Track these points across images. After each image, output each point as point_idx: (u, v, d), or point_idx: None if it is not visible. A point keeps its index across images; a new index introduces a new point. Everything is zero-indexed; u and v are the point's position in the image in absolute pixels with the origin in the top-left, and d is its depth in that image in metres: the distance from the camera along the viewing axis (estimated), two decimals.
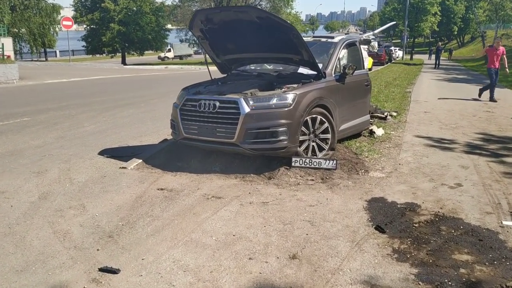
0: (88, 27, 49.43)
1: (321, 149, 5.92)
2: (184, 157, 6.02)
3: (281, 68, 6.67)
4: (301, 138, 5.65)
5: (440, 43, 43.08)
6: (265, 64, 6.96)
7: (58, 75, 21.09)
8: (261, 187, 4.96)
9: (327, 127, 5.90)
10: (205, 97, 5.65)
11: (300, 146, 5.67)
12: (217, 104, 5.45)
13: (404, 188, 4.94)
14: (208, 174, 5.41)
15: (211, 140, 5.55)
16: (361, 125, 7.04)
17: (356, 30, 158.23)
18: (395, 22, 44.18)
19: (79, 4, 52.96)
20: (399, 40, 63.59)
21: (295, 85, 5.79)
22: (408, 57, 47.54)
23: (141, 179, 5.26)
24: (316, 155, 5.83)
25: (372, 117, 9.08)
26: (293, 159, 5.52)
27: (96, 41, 47.76)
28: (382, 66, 34.11)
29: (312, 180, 5.20)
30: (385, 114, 9.44)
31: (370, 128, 7.54)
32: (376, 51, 10.26)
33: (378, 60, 38.56)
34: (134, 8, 46.70)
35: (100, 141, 7.32)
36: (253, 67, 7.08)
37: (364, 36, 7.82)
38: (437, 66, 32.96)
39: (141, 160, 5.98)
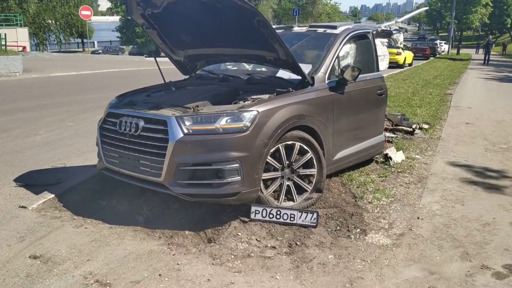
0: (123, 18, 49.15)
1: (301, 190, 4.05)
2: (113, 193, 4.31)
3: (259, 69, 4.82)
4: (268, 175, 3.80)
5: (491, 36, 39.36)
6: (244, 64, 5.11)
7: (70, 67, 19.94)
8: (186, 261, 3.16)
9: (311, 158, 4.02)
10: (128, 111, 3.90)
11: (267, 187, 3.83)
12: (141, 124, 3.69)
13: (418, 274, 3.02)
14: (125, 228, 3.67)
15: (134, 176, 3.80)
16: (370, 149, 5.08)
17: (401, 22, 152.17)
18: (426, 8, 40.92)
19: None
20: (446, 34, 59.50)
21: (265, 96, 3.94)
22: (455, 51, 43.98)
23: (27, 232, 3.59)
24: (293, 199, 3.97)
25: (395, 130, 7.07)
26: (253, 208, 3.68)
27: (130, 32, 47.41)
28: (424, 62, 31.25)
29: (274, 248, 3.35)
30: (413, 127, 7.38)
31: (385, 152, 5.55)
32: (401, 46, 8.17)
33: (422, 54, 35.73)
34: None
35: (35, 158, 5.73)
36: (225, 67, 5.25)
37: (383, 26, 5.83)
38: (486, 62, 29.85)
39: (52, 196, 4.31)
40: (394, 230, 3.67)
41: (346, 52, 4.88)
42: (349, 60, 4.94)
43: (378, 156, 5.49)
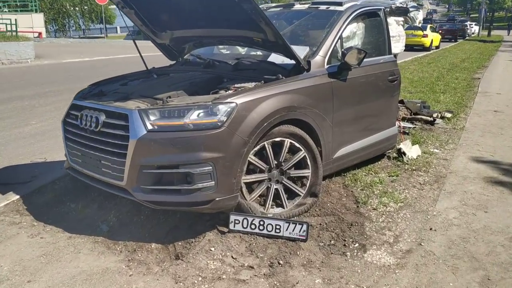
0: None
1: (293, 195, 3.47)
2: (86, 193, 3.84)
3: (253, 53, 4.22)
4: (252, 178, 3.24)
5: None
6: (238, 47, 4.51)
7: (83, 53, 19.64)
8: (144, 284, 2.64)
9: (304, 157, 3.43)
10: (90, 103, 3.38)
11: (251, 192, 3.27)
12: (102, 118, 3.16)
13: None
14: (85, 238, 3.18)
15: (97, 178, 3.29)
16: (379, 144, 4.43)
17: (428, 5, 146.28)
18: None
19: None
20: (477, 15, 56.95)
21: (251, 84, 3.36)
22: (486, 33, 41.97)
23: None
24: (283, 206, 3.40)
25: (413, 120, 6.38)
26: (232, 217, 3.13)
27: None
28: (453, 44, 29.82)
29: (251, 268, 2.80)
30: (434, 116, 6.65)
31: (398, 147, 4.88)
32: (419, 25, 7.23)
33: (452, 35, 34.26)
34: None
35: (17, 152, 5.31)
36: (219, 51, 4.68)
37: (398, 2, 5.10)
38: None
39: (17, 197, 3.86)
40: (400, 245, 3.06)
41: (352, 32, 4.22)
42: (356, 42, 4.29)
43: (390, 151, 4.83)
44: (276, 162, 3.34)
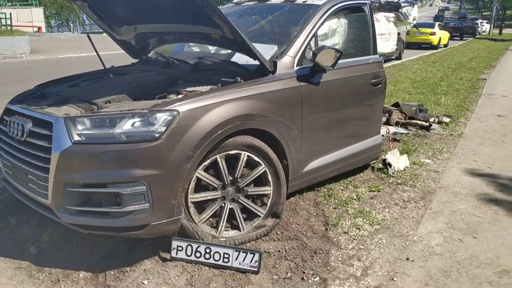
0: None
1: (252, 215, 3.04)
2: (29, 207, 3.43)
3: (223, 52, 3.78)
4: (201, 197, 2.81)
5: None
6: (208, 45, 4.07)
7: (82, 48, 19.25)
8: None
9: (264, 172, 2.99)
10: (20, 108, 2.96)
11: (201, 212, 2.84)
12: (28, 126, 2.75)
13: None
14: (9, 263, 2.78)
15: (25, 193, 2.88)
16: (360, 155, 3.97)
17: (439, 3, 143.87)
18: None
19: None
20: (489, 12, 55.85)
21: (206, 88, 2.94)
22: (497, 31, 41.05)
23: None
24: (239, 228, 2.97)
25: (408, 125, 5.91)
26: (174, 244, 2.71)
27: None
28: (461, 42, 29.09)
29: None
30: (431, 120, 6.16)
31: (383, 157, 4.42)
32: (413, 22, 6.46)
33: (458, 33, 33.55)
34: None
35: None
36: (189, 48, 4.25)
37: None
38: None
39: None
40: (368, 279, 2.61)
41: (331, 30, 3.76)
42: (336, 40, 3.83)
43: (375, 161, 4.37)
44: (231, 178, 2.90)
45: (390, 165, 4.28)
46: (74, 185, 2.51)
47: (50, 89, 3.42)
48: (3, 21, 17.43)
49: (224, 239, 2.91)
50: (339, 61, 3.60)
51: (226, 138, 2.78)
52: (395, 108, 6.31)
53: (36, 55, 16.36)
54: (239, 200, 2.96)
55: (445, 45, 26.16)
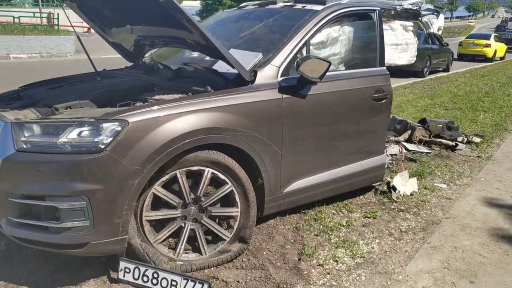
0: (203, 2, 49.49)
1: (216, 239, 2.78)
2: None
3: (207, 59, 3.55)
4: (159, 215, 2.59)
5: None
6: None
7: None
8: None
9: (231, 192, 2.72)
10: None
11: (159, 231, 2.62)
12: None
13: None
14: None
15: None
16: (358, 176, 3.59)
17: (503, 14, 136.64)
18: None
19: None
20: None
21: (175, 96, 2.72)
22: None
23: None
24: (201, 252, 2.71)
25: (431, 143, 5.43)
26: (122, 265, 2.50)
27: (210, 15, 47.88)
28: None
29: None
30: (459, 140, 5.63)
31: (388, 180, 4.02)
32: (438, 32, 5.75)
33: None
34: None
35: None
36: (190, 54, 4.05)
37: (407, 3, 4.20)
38: None
39: None
40: None
41: (330, 38, 3.44)
42: (336, 49, 3.52)
43: (379, 184, 3.98)
44: (193, 197, 2.66)
45: (394, 188, 3.87)
46: (15, 196, 2.35)
47: (29, 91, 3.32)
48: (52, 21, 18.14)
49: (182, 262, 2.67)
50: (335, 73, 3.31)
51: (187, 153, 2.54)
52: (419, 125, 5.83)
53: (80, 54, 16.83)
54: (202, 221, 2.71)
55: (501, 58, 24.67)
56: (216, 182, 2.71)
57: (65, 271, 2.62)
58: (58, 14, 18.15)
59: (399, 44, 4.30)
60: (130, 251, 2.52)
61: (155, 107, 2.47)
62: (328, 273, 2.69)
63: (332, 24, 3.44)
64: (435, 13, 4.61)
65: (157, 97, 2.80)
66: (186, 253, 2.72)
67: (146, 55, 4.05)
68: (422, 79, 13.44)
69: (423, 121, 6.10)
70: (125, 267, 2.48)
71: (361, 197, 3.83)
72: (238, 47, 3.37)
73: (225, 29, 3.92)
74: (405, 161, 4.66)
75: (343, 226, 3.27)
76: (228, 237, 2.78)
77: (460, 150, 5.45)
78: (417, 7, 4.31)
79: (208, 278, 2.54)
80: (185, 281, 2.40)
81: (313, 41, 3.29)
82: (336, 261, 2.82)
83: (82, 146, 2.31)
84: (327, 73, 3.16)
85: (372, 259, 2.89)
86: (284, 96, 2.94)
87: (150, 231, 2.61)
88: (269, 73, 2.95)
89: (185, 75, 3.19)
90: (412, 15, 4.27)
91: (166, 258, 2.64)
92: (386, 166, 4.25)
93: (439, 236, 3.25)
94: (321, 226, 3.22)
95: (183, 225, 2.67)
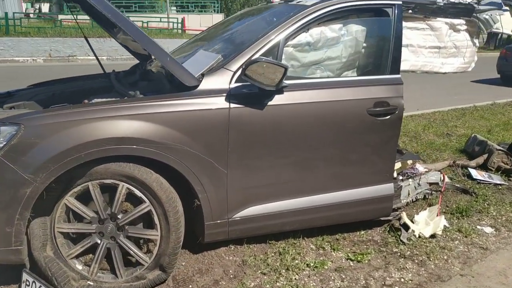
0: None
1: (137, 262, 2.49)
2: None
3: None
4: (71, 228, 2.42)
5: None
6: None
7: None
8: None
9: (149, 212, 2.41)
10: None
11: (71, 245, 2.44)
12: None
13: None
14: None
15: None
16: (349, 208, 2.93)
17: None
18: None
19: None
20: None
21: (109, 100, 2.53)
22: None
23: None
24: (117, 274, 2.46)
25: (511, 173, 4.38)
26: (24, 276, 2.37)
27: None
28: None
29: None
30: None
31: (398, 214, 3.24)
32: (507, 33, 4.22)
33: None
34: None
35: None
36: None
37: None
38: None
39: None
40: None
41: (321, 39, 2.89)
42: (332, 53, 2.94)
43: (392, 219, 3.23)
44: (109, 212, 2.40)
45: (406, 227, 3.10)
46: None
47: (23, 91, 3.39)
48: (176, 25, 19.54)
49: (93, 283, 2.44)
50: (313, 80, 2.78)
51: (97, 163, 2.29)
52: (500, 149, 4.69)
53: None
54: (120, 241, 2.44)
55: None
56: (136, 199, 2.42)
57: None
58: (182, 18, 19.49)
59: (443, 48, 3.47)
60: (35, 263, 2.38)
61: (62, 111, 2.28)
62: None
63: (327, 22, 2.88)
64: (501, 8, 3.59)
65: (96, 100, 2.62)
66: (102, 273, 2.49)
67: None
68: None
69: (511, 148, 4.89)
70: (26, 280, 2.33)
71: (363, 232, 3.15)
72: (213, 47, 3.03)
73: (226, 28, 3.58)
74: (443, 192, 3.75)
75: (309, 267, 2.69)
76: (147, 263, 2.46)
77: None
78: (474, 1, 3.43)
79: None
80: None
81: (293, 42, 2.78)
82: None
83: None
84: (301, 81, 2.67)
85: None
86: (233, 105, 2.51)
87: (63, 244, 2.43)
88: (219, 78, 2.55)
89: (148, 78, 2.96)
90: (463, 10, 3.41)
91: (77, 276, 2.43)
92: (413, 198, 3.48)
93: None
94: (278, 264, 2.69)
95: (99, 242, 2.43)
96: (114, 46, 14.76)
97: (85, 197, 2.40)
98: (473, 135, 5.28)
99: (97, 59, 3.94)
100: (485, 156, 4.67)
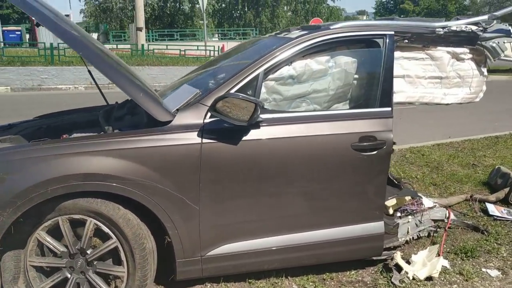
0: None
1: None
2: None
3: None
4: (42, 262, 2.44)
5: None
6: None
7: None
8: None
9: (116, 249, 2.40)
10: None
11: (43, 279, 2.47)
12: None
13: None
14: None
15: None
16: (332, 247, 2.79)
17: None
18: None
19: (380, 6, 57.45)
20: None
21: (87, 135, 2.57)
22: None
23: None
24: None
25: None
26: None
27: None
28: None
29: None
30: None
31: (392, 255, 3.04)
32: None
33: None
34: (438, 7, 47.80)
35: None
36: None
37: (455, 25, 3.13)
38: None
39: None
40: None
41: (306, 72, 2.83)
42: (318, 86, 2.87)
43: (387, 258, 3.04)
44: (80, 246, 2.41)
45: (398, 268, 2.90)
46: None
47: (25, 123, 3.51)
48: (213, 53, 20.10)
49: None
50: (292, 115, 2.71)
51: (64, 198, 2.31)
52: None
53: None
54: (87, 276, 2.43)
55: None
56: (105, 235, 2.41)
57: None
58: (219, 47, 19.99)
59: (445, 78, 3.29)
60: None
61: (31, 148, 2.33)
62: None
63: (314, 54, 2.82)
64: (508, 34, 3.37)
65: (75, 135, 2.67)
66: None
67: None
68: None
69: None
70: None
71: (353, 271, 2.98)
72: (197, 81, 3.04)
73: (216, 61, 3.60)
74: (447, 230, 3.50)
75: None
76: None
77: None
78: (479, 28, 3.25)
79: None
80: None
81: (274, 75, 2.73)
82: None
83: None
84: (280, 115, 2.62)
85: None
86: (206, 140, 2.47)
87: (35, 278, 2.45)
88: (193, 113, 2.53)
89: (133, 112, 2.99)
90: (465, 39, 3.23)
91: None
92: (414, 236, 3.28)
93: None
94: None
95: (69, 276, 2.43)
96: None
97: (57, 232, 2.42)
98: (497, 166, 4.95)
99: (99, 89, 4.03)
100: (507, 190, 4.36)
